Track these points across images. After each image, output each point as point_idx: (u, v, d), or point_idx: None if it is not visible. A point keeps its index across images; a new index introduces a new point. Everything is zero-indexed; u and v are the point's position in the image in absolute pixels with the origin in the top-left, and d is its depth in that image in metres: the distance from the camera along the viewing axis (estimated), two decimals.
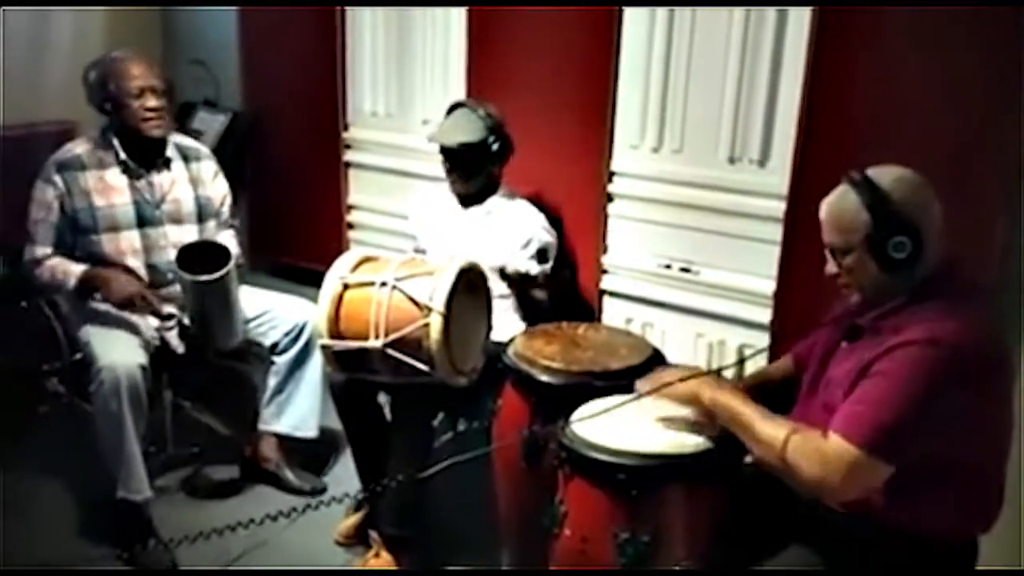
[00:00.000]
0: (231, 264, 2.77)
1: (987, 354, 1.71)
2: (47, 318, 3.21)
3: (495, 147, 2.86)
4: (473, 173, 2.90)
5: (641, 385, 1.95)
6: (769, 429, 1.73)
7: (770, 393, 2.12)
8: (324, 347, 2.52)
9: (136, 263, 2.95)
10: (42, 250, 2.89)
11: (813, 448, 1.68)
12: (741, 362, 2.20)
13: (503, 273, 2.81)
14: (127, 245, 2.93)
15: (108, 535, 2.81)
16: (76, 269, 2.87)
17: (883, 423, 1.64)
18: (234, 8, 4.06)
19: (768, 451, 1.72)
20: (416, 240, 3.14)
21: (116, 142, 2.95)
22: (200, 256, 2.77)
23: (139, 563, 2.73)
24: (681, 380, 1.89)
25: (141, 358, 2.77)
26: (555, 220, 3.06)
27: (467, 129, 2.84)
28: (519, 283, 2.81)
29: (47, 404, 3.44)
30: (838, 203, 1.79)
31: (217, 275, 2.72)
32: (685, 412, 1.92)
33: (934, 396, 1.64)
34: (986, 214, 2.36)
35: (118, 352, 2.74)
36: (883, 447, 1.64)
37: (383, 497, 2.65)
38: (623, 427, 1.89)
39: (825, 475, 1.66)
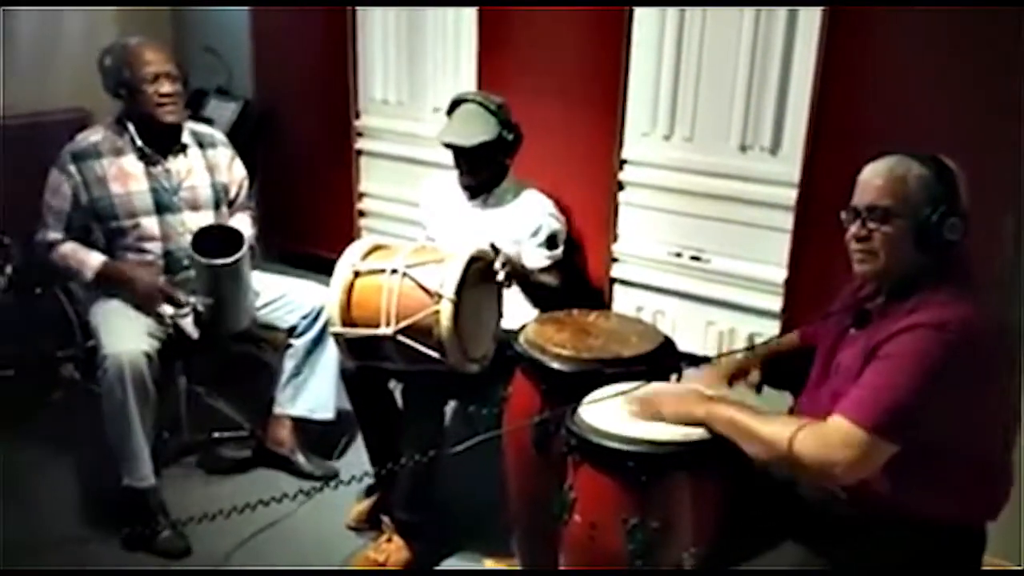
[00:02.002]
0: (245, 248, 2.80)
1: (994, 341, 1.71)
2: (62, 304, 3.24)
3: (509, 139, 2.86)
4: (486, 167, 2.90)
5: (632, 409, 1.91)
6: (774, 428, 1.72)
7: (782, 363, 2.15)
8: (336, 334, 2.54)
9: (155, 250, 2.97)
10: (54, 234, 2.92)
11: (818, 435, 1.67)
12: (750, 349, 2.20)
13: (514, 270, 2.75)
14: (146, 232, 2.96)
15: (119, 521, 2.83)
16: (94, 261, 2.89)
17: (887, 404, 1.64)
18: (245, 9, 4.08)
19: (773, 450, 1.70)
20: (425, 229, 3.15)
21: (131, 128, 2.96)
22: (214, 240, 2.80)
23: (153, 548, 2.77)
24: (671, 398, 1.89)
25: (147, 345, 2.78)
26: (566, 208, 3.06)
27: (482, 127, 2.82)
28: (523, 275, 2.78)
29: (62, 390, 3.48)
30: (900, 167, 1.76)
31: (232, 259, 2.75)
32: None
33: (940, 379, 1.64)
34: (994, 208, 2.34)
35: (124, 340, 2.76)
36: (887, 428, 1.64)
37: (395, 482, 2.67)
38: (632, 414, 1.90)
39: (829, 458, 1.65)
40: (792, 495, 1.86)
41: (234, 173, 3.21)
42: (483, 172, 2.91)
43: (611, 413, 1.90)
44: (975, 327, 1.67)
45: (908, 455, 1.67)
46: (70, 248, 2.92)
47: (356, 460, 3.14)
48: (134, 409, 2.72)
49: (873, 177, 1.79)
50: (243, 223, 3.11)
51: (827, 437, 1.67)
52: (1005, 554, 2.45)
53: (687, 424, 1.83)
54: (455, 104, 2.92)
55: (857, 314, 1.88)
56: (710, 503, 1.81)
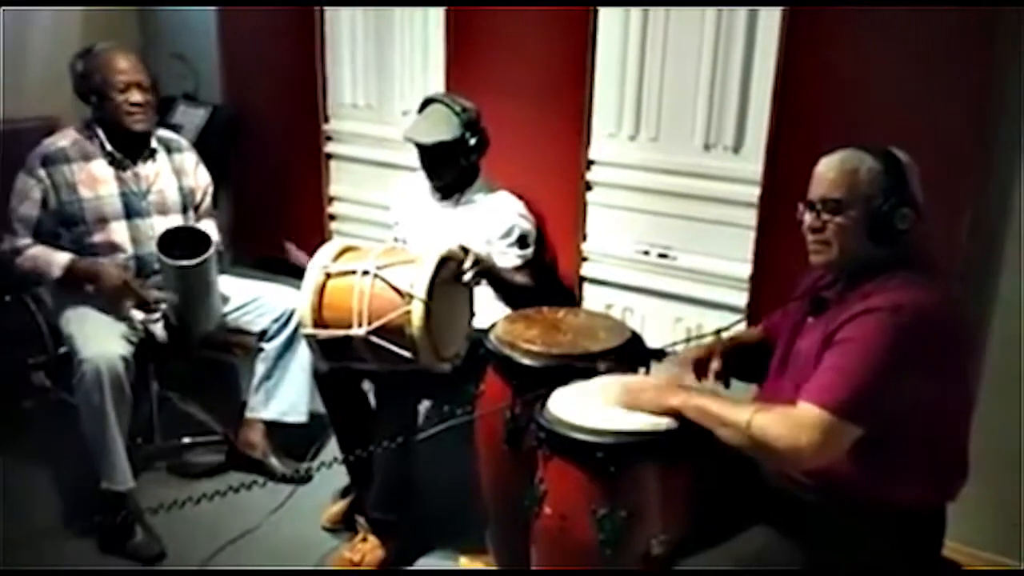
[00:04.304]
0: (212, 250, 2.82)
1: (949, 325, 1.78)
2: (31, 312, 3.23)
3: (472, 142, 2.89)
4: (449, 168, 2.93)
5: (620, 400, 1.94)
6: (734, 413, 1.75)
7: (747, 355, 2.20)
8: (308, 336, 2.55)
9: (125, 254, 2.97)
10: (21, 240, 2.92)
11: (782, 417, 1.71)
12: (717, 332, 2.25)
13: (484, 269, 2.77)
14: (116, 236, 2.96)
15: (94, 526, 2.82)
16: (61, 259, 2.89)
17: (851, 387, 1.68)
18: (213, 8, 4.07)
19: (736, 433, 1.74)
20: (393, 229, 3.18)
21: (101, 133, 2.97)
22: (181, 242, 2.81)
23: (127, 552, 2.77)
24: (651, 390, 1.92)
25: (123, 349, 2.79)
26: (536, 209, 3.10)
27: (444, 126, 2.85)
28: (495, 274, 2.82)
29: (32, 398, 3.46)
30: (852, 160, 1.83)
31: (198, 260, 2.77)
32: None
33: (897, 360, 1.69)
34: (954, 201, 2.41)
35: (100, 344, 2.77)
36: (852, 410, 1.68)
37: (369, 483, 2.69)
38: (600, 407, 1.93)
39: (797, 441, 1.68)
40: (760, 481, 1.91)
41: (199, 179, 3.22)
42: (443, 171, 2.94)
43: (581, 405, 1.93)
44: (929, 311, 1.72)
45: (869, 438, 1.71)
46: (38, 250, 2.91)
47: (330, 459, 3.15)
48: (112, 412, 2.73)
49: (826, 170, 1.86)
50: (209, 229, 3.12)
51: (796, 421, 1.70)
52: (968, 540, 2.52)
53: (663, 413, 1.86)
54: (425, 103, 2.96)
55: (814, 301, 1.94)
56: (678, 490, 1.85)
